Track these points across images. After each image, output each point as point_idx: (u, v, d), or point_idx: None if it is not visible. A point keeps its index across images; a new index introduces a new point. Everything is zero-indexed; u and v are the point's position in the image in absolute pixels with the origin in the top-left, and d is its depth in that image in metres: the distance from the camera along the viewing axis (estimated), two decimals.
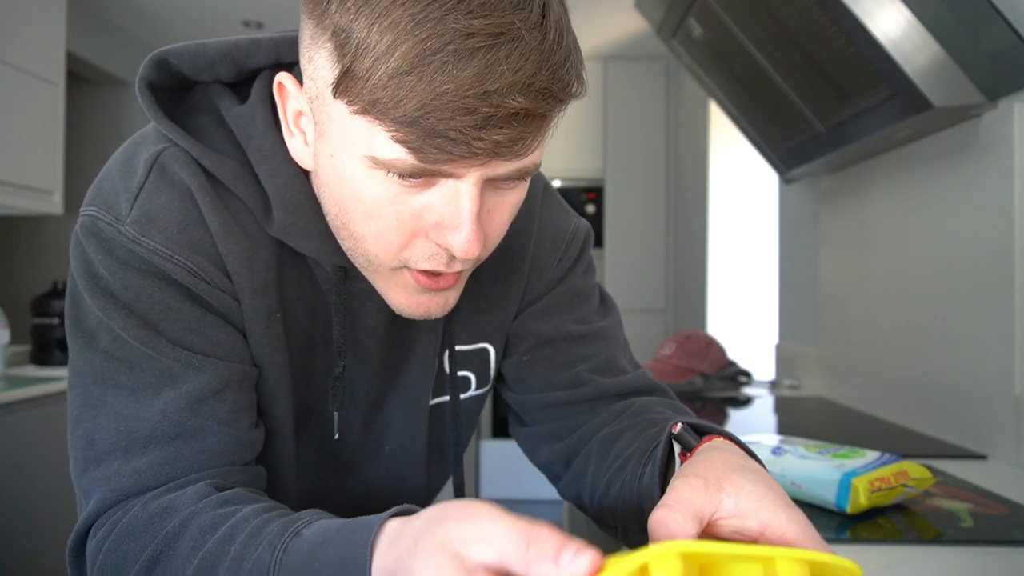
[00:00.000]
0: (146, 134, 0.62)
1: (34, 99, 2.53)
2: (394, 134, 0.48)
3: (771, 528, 0.45)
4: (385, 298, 0.61)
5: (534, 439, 0.78)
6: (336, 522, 0.49)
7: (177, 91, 0.64)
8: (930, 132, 1.36)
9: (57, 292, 2.53)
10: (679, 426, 0.57)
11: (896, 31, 1.12)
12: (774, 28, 1.39)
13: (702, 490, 0.47)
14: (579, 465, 0.72)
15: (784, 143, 1.71)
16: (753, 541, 0.45)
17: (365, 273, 0.61)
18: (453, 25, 0.45)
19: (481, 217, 0.53)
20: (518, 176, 0.54)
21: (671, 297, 3.84)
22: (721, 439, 0.56)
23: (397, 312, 0.61)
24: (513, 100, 0.47)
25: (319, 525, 0.49)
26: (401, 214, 0.53)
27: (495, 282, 0.74)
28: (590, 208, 3.82)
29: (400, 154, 0.49)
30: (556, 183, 3.77)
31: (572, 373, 0.75)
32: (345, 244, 0.59)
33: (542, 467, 0.79)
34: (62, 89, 2.69)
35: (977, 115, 1.22)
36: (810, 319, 2.08)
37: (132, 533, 0.53)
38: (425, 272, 0.57)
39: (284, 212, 0.60)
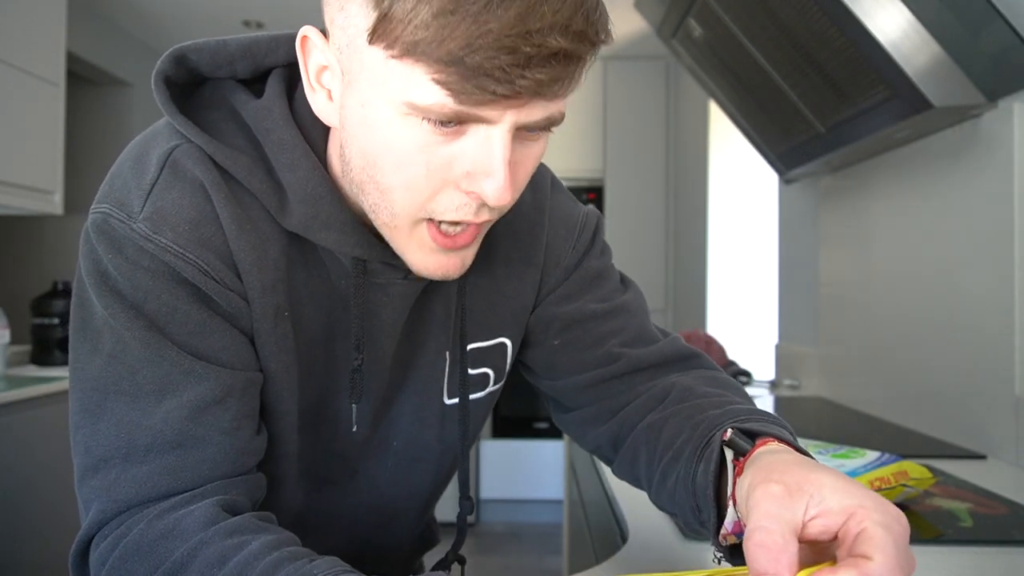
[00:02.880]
0: (158, 130, 0.62)
1: (34, 99, 2.53)
2: (436, 75, 0.49)
3: (857, 515, 0.43)
4: (403, 257, 0.61)
5: (578, 424, 0.77)
6: None
7: (189, 86, 0.64)
8: (930, 132, 1.36)
9: (57, 292, 2.52)
10: (729, 433, 0.56)
11: (896, 31, 1.12)
12: (774, 28, 1.39)
13: (787, 499, 0.45)
14: (630, 452, 0.71)
15: (784, 143, 1.71)
16: (833, 538, 0.45)
17: (385, 232, 0.60)
18: None
19: (511, 167, 0.54)
20: (546, 125, 0.54)
21: (671, 297, 3.84)
22: (775, 442, 0.54)
23: (415, 271, 0.61)
24: (554, 40, 0.48)
25: None
26: (432, 163, 0.53)
27: (510, 275, 0.74)
28: None
29: (439, 98, 0.49)
30: None
31: (604, 350, 0.74)
32: (370, 199, 0.58)
33: (591, 451, 0.78)
34: (62, 89, 2.68)
35: (977, 115, 1.22)
36: (810, 319, 2.08)
37: (137, 554, 0.53)
38: (443, 232, 0.57)
39: (305, 205, 0.60)
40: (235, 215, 0.59)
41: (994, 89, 1.15)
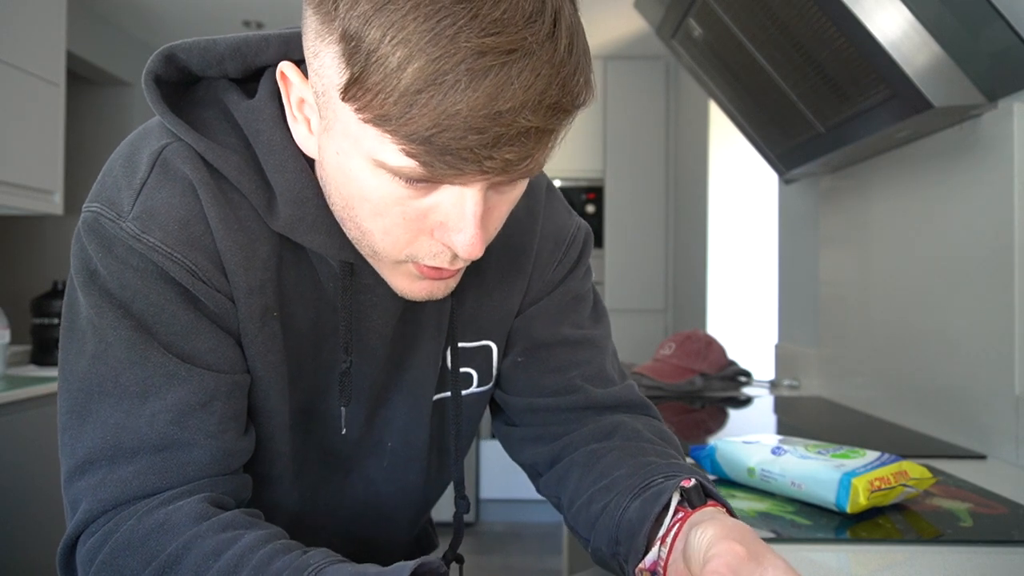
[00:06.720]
0: (149, 129, 0.62)
1: (34, 99, 2.53)
2: (404, 148, 0.48)
3: None
4: (389, 283, 0.61)
5: (519, 440, 0.79)
6: (348, 570, 0.49)
7: (181, 85, 0.63)
8: (930, 132, 1.36)
9: (57, 292, 2.52)
10: (693, 482, 0.59)
11: (896, 31, 1.12)
12: (774, 28, 1.39)
13: (747, 561, 0.48)
14: (562, 468, 0.73)
15: (784, 143, 1.71)
16: None
17: (370, 261, 0.61)
18: (465, 44, 0.45)
19: (483, 218, 0.54)
20: (521, 178, 0.54)
21: (671, 297, 3.84)
22: (724, 510, 0.58)
23: (400, 295, 0.61)
24: (524, 119, 0.47)
25: (332, 573, 0.49)
26: (407, 214, 0.54)
27: (500, 280, 0.74)
28: (590, 208, 3.82)
29: (408, 163, 0.49)
30: (556, 183, 3.74)
31: (565, 379, 0.76)
32: (351, 234, 0.59)
33: (523, 465, 0.80)
34: (62, 89, 2.68)
35: (977, 115, 1.22)
36: (810, 319, 2.08)
37: (128, 548, 0.53)
38: (429, 266, 0.57)
39: (292, 207, 0.60)
40: (223, 215, 0.59)
41: (994, 89, 1.15)
